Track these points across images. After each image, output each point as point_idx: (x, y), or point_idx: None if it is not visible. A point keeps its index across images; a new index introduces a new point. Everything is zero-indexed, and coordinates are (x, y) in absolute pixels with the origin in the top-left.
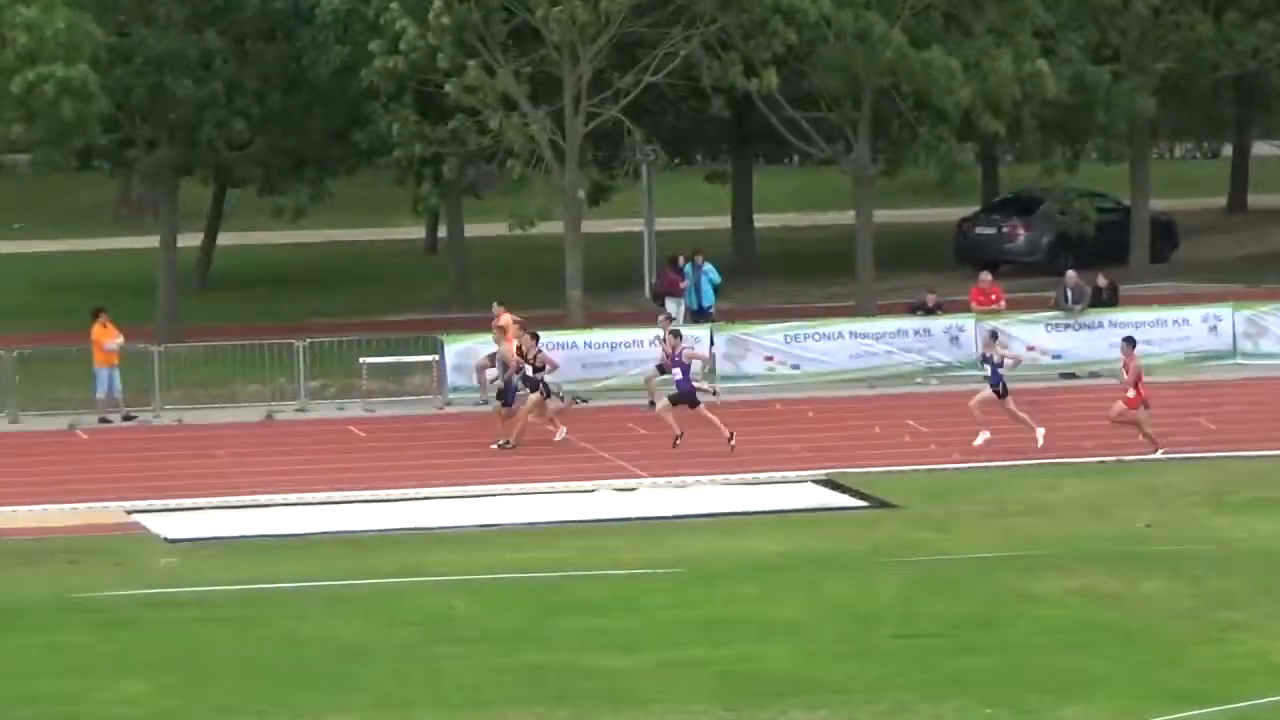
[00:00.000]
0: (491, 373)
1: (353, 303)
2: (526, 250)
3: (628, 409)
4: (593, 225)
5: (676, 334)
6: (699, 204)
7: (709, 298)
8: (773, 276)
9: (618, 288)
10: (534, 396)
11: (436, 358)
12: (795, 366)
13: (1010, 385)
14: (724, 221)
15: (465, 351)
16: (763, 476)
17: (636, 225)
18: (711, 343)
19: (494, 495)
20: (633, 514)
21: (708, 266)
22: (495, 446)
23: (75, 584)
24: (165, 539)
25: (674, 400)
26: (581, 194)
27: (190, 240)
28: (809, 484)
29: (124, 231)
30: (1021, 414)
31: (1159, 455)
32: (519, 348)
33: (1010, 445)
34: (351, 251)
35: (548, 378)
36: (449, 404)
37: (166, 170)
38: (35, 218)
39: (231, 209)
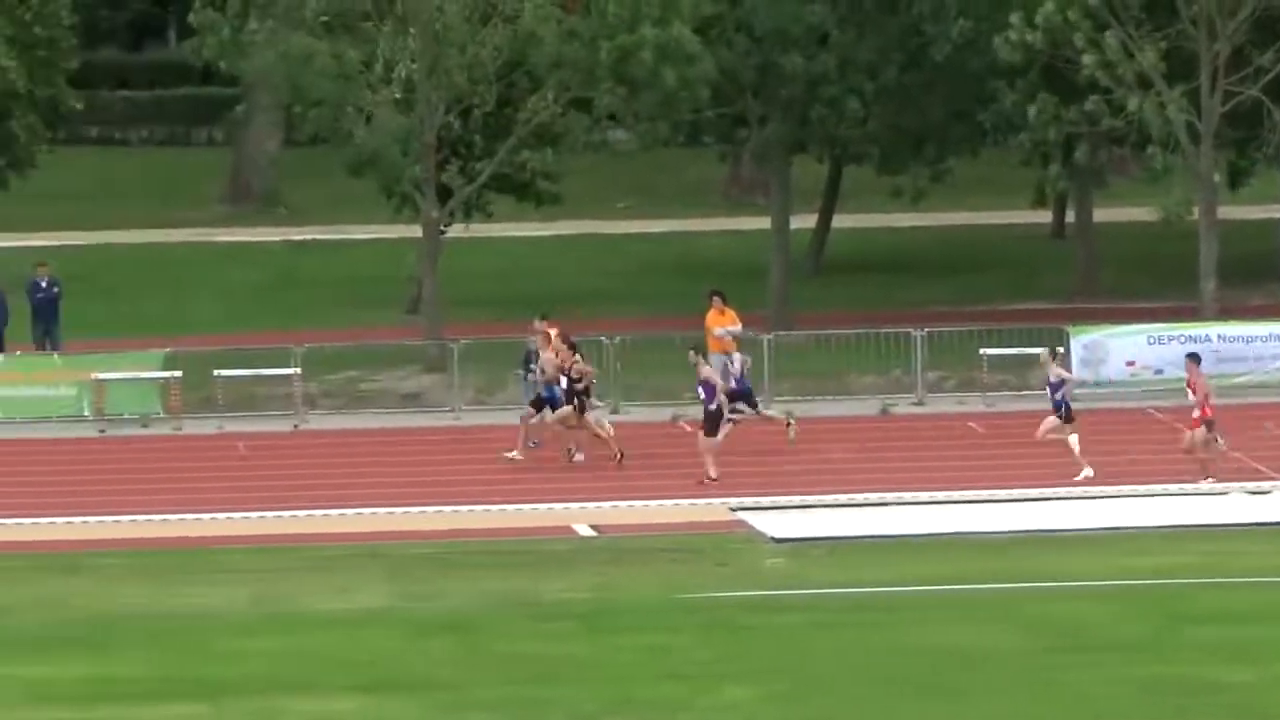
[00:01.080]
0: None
1: (973, 290)
2: (1158, 238)
3: (1265, 407)
4: (1230, 211)
5: (698, 350)
6: None
7: None
8: None
9: (1255, 278)
10: (565, 409)
11: (1061, 350)
12: None
13: None
14: None
15: (1093, 344)
16: None
17: (1277, 211)
18: None
19: (1119, 497)
20: (1267, 518)
21: None
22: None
23: (677, 584)
24: (771, 538)
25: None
26: (1217, 178)
27: (804, 222)
28: None
29: (734, 212)
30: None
31: (1205, 484)
32: (559, 358)
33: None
34: (972, 236)
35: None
36: (1074, 399)
37: (777, 148)
38: (642, 197)
39: (847, 189)
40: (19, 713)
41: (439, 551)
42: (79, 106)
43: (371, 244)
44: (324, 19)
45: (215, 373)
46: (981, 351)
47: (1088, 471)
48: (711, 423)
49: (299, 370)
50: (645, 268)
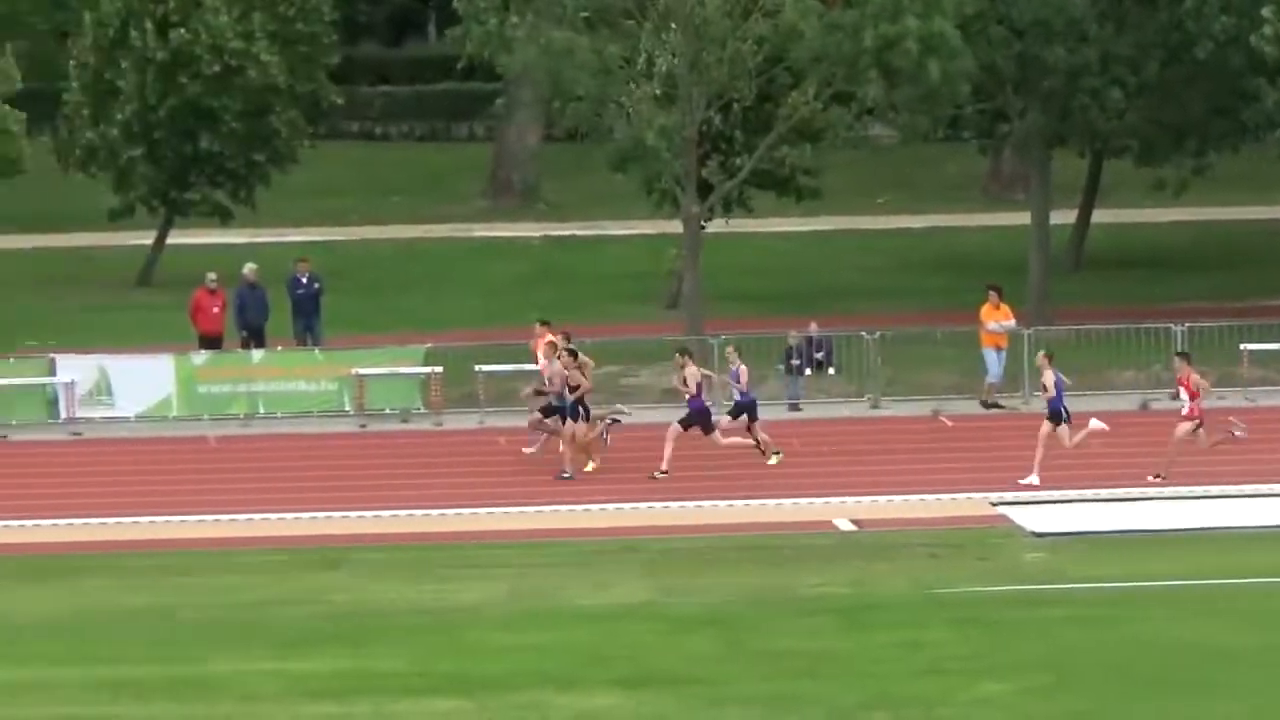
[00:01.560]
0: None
1: (1232, 286)
2: None
3: None
4: None
5: (684, 352)
6: None
7: None
8: None
9: None
10: (569, 425)
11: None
12: None
13: None
14: None
15: None
16: None
17: None
18: None
19: None
20: None
21: None
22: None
23: (935, 579)
24: (1031, 533)
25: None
26: None
27: (1063, 217)
28: None
29: (993, 207)
30: (1078, 439)
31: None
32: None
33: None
34: (1231, 231)
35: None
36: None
37: (1036, 141)
38: (901, 192)
39: (1107, 184)
40: (281, 706)
41: (698, 546)
42: (339, 102)
43: (629, 239)
44: (584, 14)
45: (476, 368)
46: (1242, 347)
47: (1033, 479)
48: (701, 421)
49: None
50: (904, 263)
